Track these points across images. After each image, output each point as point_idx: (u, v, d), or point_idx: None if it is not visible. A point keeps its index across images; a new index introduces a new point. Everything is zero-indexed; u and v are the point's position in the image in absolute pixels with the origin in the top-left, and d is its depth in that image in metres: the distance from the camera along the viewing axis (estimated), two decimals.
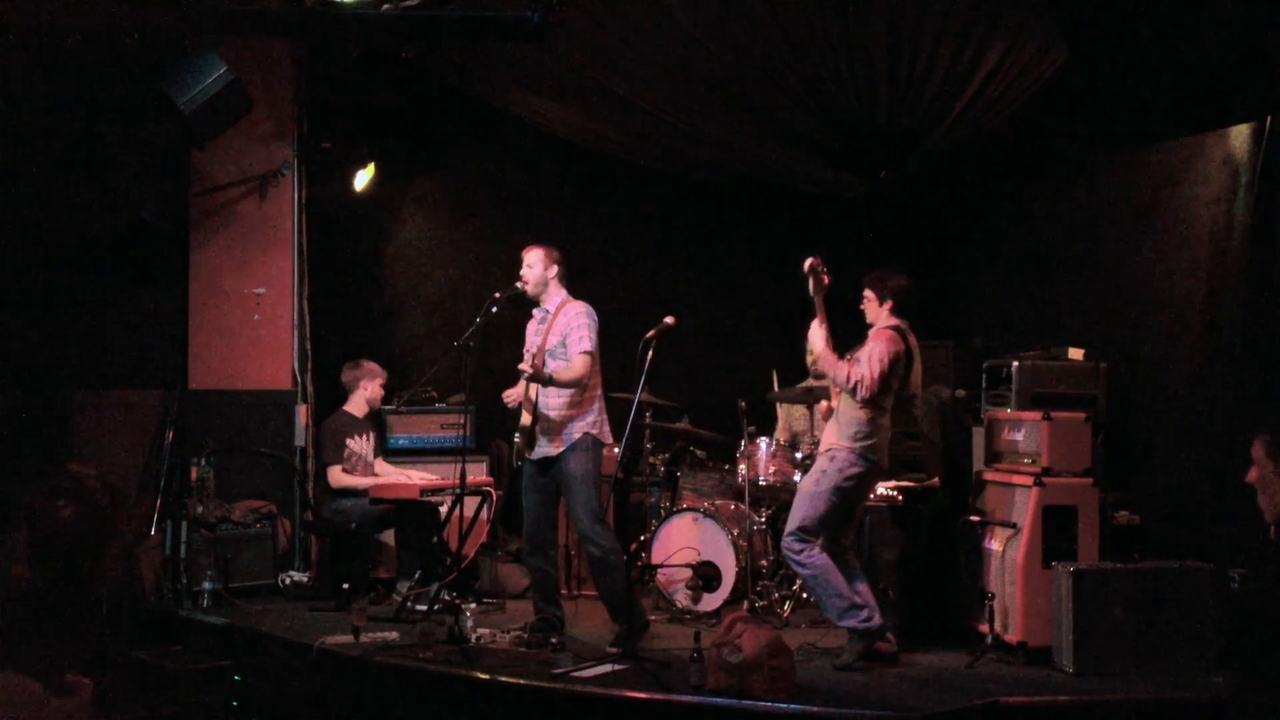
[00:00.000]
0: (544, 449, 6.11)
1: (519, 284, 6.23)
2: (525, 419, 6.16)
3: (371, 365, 7.55)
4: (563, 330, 6.11)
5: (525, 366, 6.09)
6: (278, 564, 7.37)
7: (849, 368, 5.58)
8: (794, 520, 5.62)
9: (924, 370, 6.16)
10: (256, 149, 7.85)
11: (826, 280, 5.59)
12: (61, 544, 2.35)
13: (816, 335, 5.67)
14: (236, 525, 7.22)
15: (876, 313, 5.79)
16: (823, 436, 5.84)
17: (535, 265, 6.22)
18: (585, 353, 6.02)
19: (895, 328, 5.69)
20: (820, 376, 7.49)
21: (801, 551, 5.58)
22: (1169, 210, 6.55)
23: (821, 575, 5.55)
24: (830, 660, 5.62)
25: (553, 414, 6.08)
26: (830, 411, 5.83)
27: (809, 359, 7.59)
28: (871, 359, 5.56)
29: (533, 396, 6.11)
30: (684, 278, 8.98)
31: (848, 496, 5.65)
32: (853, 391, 5.56)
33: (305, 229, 8.03)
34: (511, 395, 6.21)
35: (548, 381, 6.00)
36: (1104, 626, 5.39)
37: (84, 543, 2.37)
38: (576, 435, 6.05)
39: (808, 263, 5.59)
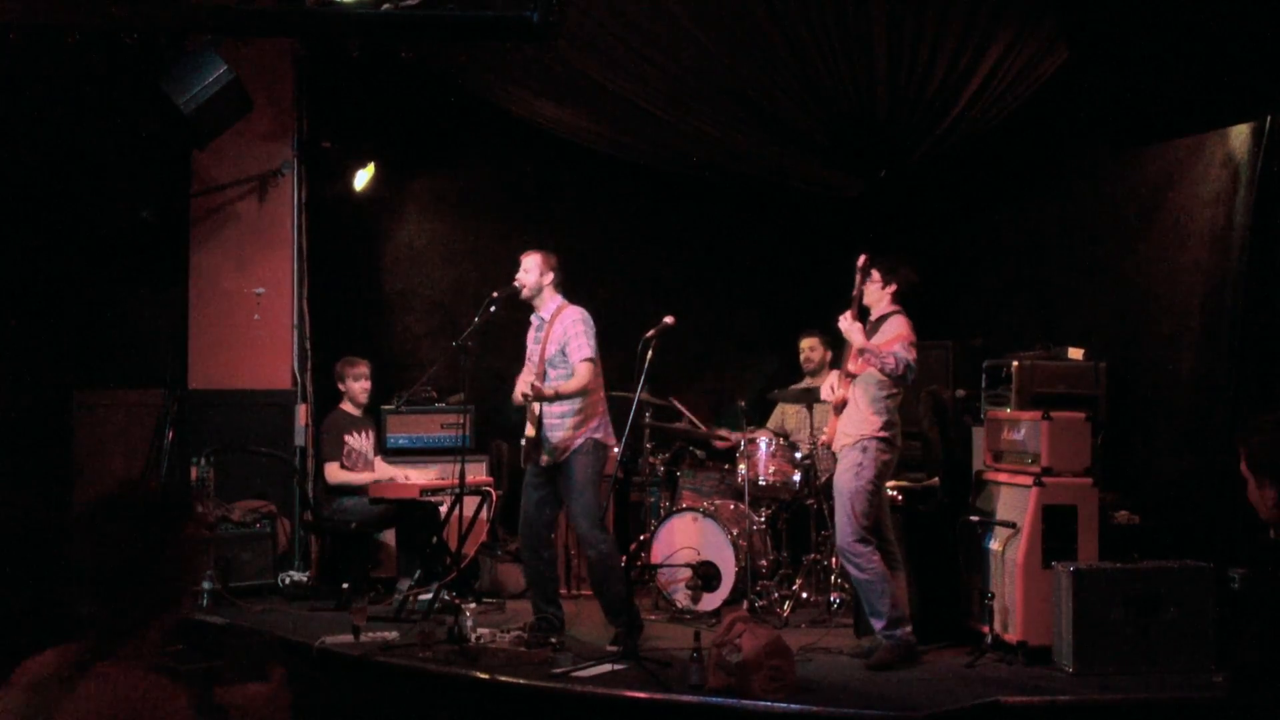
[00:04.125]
0: (550, 460, 6.08)
1: (516, 283, 6.19)
2: (530, 431, 6.11)
3: (350, 360, 7.47)
4: (560, 339, 6.07)
5: (521, 395, 6.03)
6: (278, 564, 7.37)
7: (891, 357, 5.53)
8: (850, 521, 5.57)
9: (924, 370, 6.16)
10: (256, 149, 7.85)
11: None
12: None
13: (855, 331, 5.65)
14: (236, 525, 7.22)
15: (879, 295, 5.79)
16: (841, 428, 5.76)
17: (531, 271, 6.17)
18: (586, 360, 5.99)
19: (903, 311, 5.74)
20: (815, 375, 7.52)
21: (863, 554, 5.55)
22: (1169, 210, 6.54)
23: (879, 581, 5.54)
24: (830, 659, 5.64)
25: (558, 427, 6.05)
26: (844, 403, 5.77)
27: (802, 357, 7.61)
28: (902, 342, 5.56)
29: (536, 410, 6.08)
30: (683, 277, 8.97)
31: (883, 481, 5.70)
32: (902, 377, 5.55)
33: (305, 229, 8.03)
34: (519, 392, 6.13)
35: (553, 398, 5.97)
36: (1104, 626, 5.38)
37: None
38: (579, 441, 6.04)
39: (861, 259, 5.71)
